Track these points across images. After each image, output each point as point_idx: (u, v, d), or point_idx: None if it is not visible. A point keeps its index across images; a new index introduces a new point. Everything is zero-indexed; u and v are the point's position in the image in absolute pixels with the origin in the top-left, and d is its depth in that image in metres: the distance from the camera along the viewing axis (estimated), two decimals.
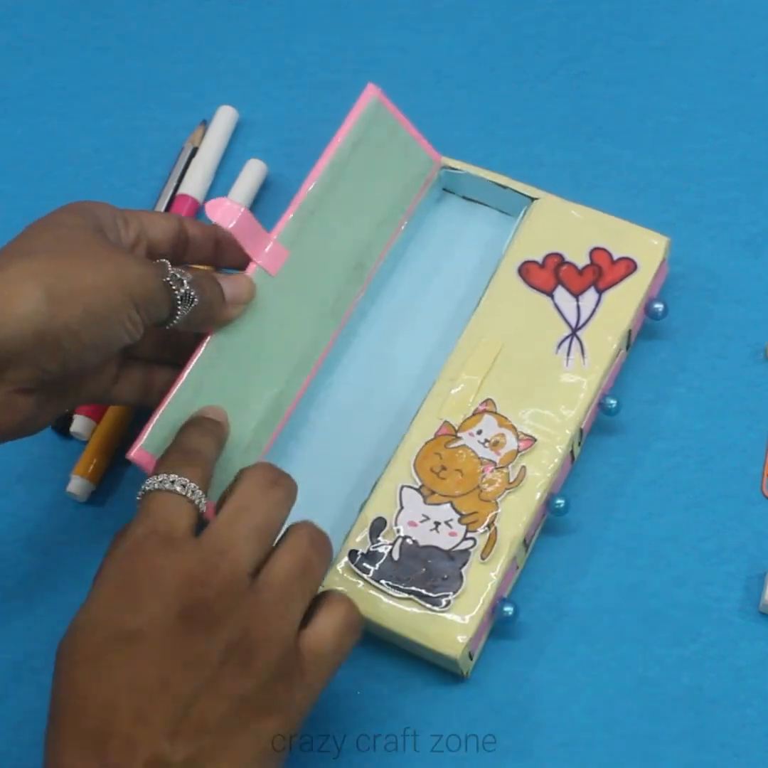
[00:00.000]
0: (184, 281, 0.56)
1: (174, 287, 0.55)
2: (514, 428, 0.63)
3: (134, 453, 0.57)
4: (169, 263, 0.56)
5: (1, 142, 0.77)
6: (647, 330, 0.68)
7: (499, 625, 0.61)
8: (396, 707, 0.60)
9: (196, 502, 0.53)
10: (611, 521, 0.64)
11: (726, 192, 0.72)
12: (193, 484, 0.53)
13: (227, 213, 0.59)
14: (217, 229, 0.61)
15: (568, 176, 0.73)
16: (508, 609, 0.60)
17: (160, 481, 0.53)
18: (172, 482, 0.53)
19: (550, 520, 0.63)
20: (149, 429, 0.58)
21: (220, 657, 0.49)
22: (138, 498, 0.53)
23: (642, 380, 0.67)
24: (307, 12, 0.80)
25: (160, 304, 0.55)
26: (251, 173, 0.73)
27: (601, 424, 0.66)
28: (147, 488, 0.53)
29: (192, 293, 0.56)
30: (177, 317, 0.56)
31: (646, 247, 0.66)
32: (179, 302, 0.56)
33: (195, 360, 0.59)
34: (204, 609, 0.49)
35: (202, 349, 0.59)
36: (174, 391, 0.58)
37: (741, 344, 0.68)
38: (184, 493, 0.53)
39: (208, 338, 0.59)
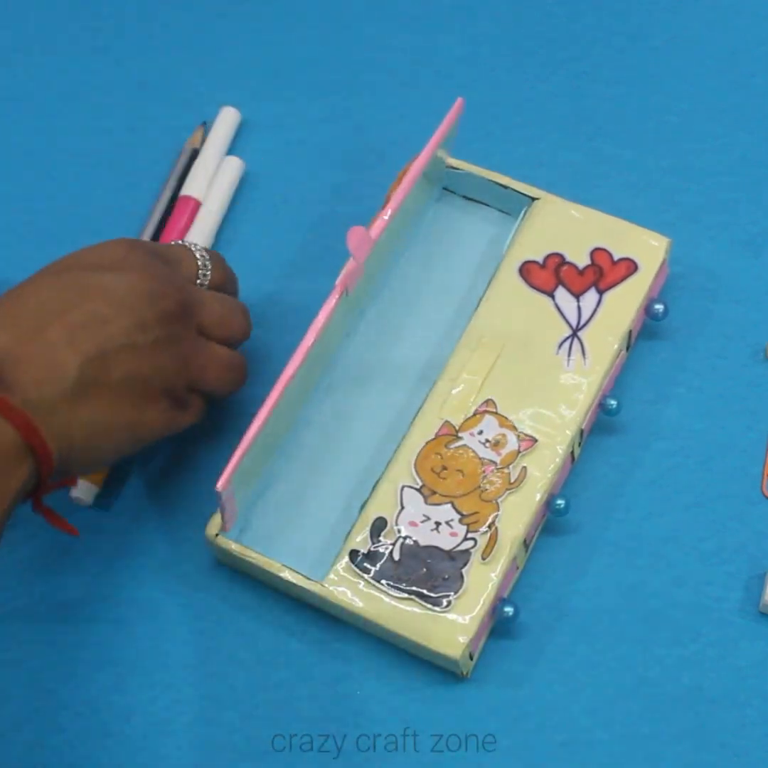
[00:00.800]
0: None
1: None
2: (514, 428, 0.63)
3: (221, 484, 0.56)
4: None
5: (1, 142, 0.77)
6: (647, 330, 0.68)
7: (499, 626, 0.61)
8: (396, 707, 0.60)
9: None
10: (611, 521, 0.64)
11: (726, 192, 0.72)
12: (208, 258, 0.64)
13: (362, 242, 0.60)
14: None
15: (568, 176, 0.73)
16: (509, 609, 0.60)
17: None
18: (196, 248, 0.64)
19: (551, 521, 0.63)
20: (231, 469, 0.56)
21: (154, 337, 0.57)
22: None
23: (642, 380, 0.67)
24: (307, 12, 0.80)
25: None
26: (230, 172, 0.74)
27: (601, 424, 0.66)
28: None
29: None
30: None
31: (647, 248, 0.66)
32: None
33: (286, 377, 0.58)
34: (168, 300, 0.58)
35: (299, 363, 0.59)
36: (258, 423, 0.57)
37: (741, 344, 0.68)
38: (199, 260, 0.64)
39: (302, 357, 0.59)
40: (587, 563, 0.63)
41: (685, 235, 0.69)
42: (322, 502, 0.63)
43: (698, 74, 0.76)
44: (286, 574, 0.60)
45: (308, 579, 0.60)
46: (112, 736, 0.60)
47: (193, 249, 0.64)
